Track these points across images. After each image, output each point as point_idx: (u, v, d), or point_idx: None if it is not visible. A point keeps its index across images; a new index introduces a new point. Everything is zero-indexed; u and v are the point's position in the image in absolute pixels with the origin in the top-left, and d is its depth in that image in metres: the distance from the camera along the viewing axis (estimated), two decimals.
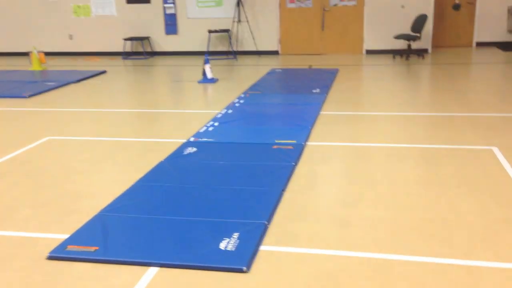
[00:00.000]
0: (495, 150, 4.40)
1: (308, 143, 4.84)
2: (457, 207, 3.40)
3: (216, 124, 5.50)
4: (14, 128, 5.77)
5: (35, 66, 9.61)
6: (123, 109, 6.55)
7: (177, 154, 4.54)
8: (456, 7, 10.67)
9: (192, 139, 4.99)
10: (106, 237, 3.02)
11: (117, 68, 9.83)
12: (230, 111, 6.08)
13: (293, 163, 4.24)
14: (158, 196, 3.62)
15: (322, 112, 5.97)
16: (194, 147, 4.73)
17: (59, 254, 2.87)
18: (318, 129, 5.32)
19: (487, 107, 6.00)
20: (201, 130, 5.28)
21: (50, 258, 2.87)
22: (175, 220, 3.22)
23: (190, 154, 4.54)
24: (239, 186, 3.77)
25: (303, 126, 5.30)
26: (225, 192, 3.66)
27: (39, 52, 9.77)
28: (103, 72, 9.27)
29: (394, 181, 3.89)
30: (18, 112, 6.46)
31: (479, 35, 10.76)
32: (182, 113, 6.27)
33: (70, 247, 2.92)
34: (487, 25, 10.64)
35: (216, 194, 3.64)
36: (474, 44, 10.82)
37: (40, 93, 7.48)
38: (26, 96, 7.21)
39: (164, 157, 4.49)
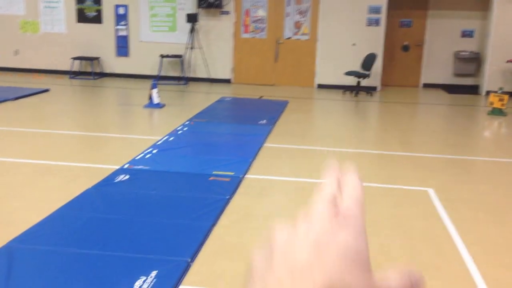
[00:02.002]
0: (431, 191, 4.40)
1: (247, 176, 4.71)
2: (388, 250, 3.32)
3: (154, 151, 5.30)
4: None
5: None
6: (60, 130, 6.24)
7: (107, 182, 4.30)
8: (405, 48, 11.00)
9: (126, 165, 4.76)
10: (10, 273, 2.74)
11: (62, 87, 9.48)
12: (171, 138, 5.89)
13: (228, 197, 4.08)
14: (77, 227, 3.37)
15: (265, 144, 5.87)
16: (127, 174, 4.50)
17: None
18: (259, 161, 5.20)
19: (428, 147, 6.08)
20: (137, 157, 5.06)
21: None
22: (90, 255, 2.98)
23: (121, 182, 4.31)
24: (167, 219, 3.58)
25: (244, 158, 5.17)
26: (151, 225, 3.45)
27: None
28: (46, 90, 8.90)
29: None
30: None
31: (426, 76, 11.10)
32: (121, 138, 6.03)
33: None
34: (434, 67, 10.99)
35: (141, 227, 3.42)
36: (421, 85, 11.14)
37: None
38: None
39: (92, 184, 4.24)
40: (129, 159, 4.99)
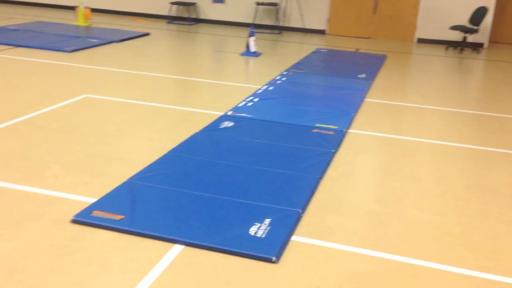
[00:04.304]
0: None
1: (350, 130, 4.61)
2: (509, 218, 3.14)
3: (255, 99, 5.31)
4: (53, 82, 5.71)
5: (80, 22, 9.56)
6: (162, 74, 6.42)
7: (213, 127, 4.38)
8: None
9: (229, 112, 4.82)
10: (133, 207, 2.90)
11: (161, 32, 9.69)
12: (271, 87, 5.86)
13: (333, 150, 4.02)
14: (190, 169, 3.48)
15: (366, 99, 5.69)
16: (231, 121, 4.56)
17: (84, 219, 2.77)
18: (361, 116, 5.06)
19: None
20: (240, 105, 5.09)
21: (74, 221, 2.77)
22: (205, 197, 3.08)
23: (226, 128, 4.38)
24: (275, 168, 3.59)
25: (346, 112, 5.05)
26: (260, 173, 3.49)
27: (85, 7, 9.71)
28: (147, 34, 9.14)
29: (440, 182, 3.64)
30: (59, 66, 6.41)
31: None
32: (221, 85, 6.09)
33: (96, 213, 2.82)
34: None
35: (250, 174, 3.47)
36: None
37: (82, 49, 7.42)
38: (68, 51, 7.16)
39: (199, 128, 4.34)
40: (231, 106, 5.04)
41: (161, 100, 5.24)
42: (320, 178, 3.54)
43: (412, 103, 5.73)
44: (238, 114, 4.77)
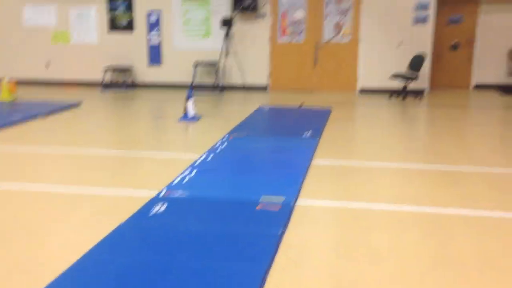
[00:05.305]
0: None
1: (299, 201, 4.16)
2: None
3: (192, 173, 4.80)
4: None
5: (4, 96, 8.89)
6: (92, 149, 5.83)
7: (143, 214, 3.82)
8: (455, 47, 10.24)
9: (163, 192, 4.28)
10: None
11: (94, 101, 9.14)
12: (210, 157, 5.39)
13: (281, 230, 3.54)
14: (108, 278, 2.87)
15: (314, 162, 5.31)
16: (164, 203, 4.01)
17: None
18: (309, 182, 4.64)
19: (499, 161, 5.39)
20: (175, 181, 4.57)
21: None
22: None
23: (157, 214, 3.82)
24: (213, 262, 3.05)
25: (293, 179, 4.62)
26: (194, 272, 2.93)
27: (10, 80, 9.06)
28: (78, 104, 8.56)
29: (401, 258, 3.20)
30: None
31: (477, 76, 10.31)
32: (156, 158, 5.56)
33: None
34: (486, 66, 10.20)
35: (184, 273, 2.91)
36: (472, 86, 10.35)
37: (0, 127, 6.75)
38: None
39: (127, 216, 3.76)
40: (166, 182, 4.52)
41: (86, 182, 4.65)
42: (268, 268, 3.02)
43: (361, 161, 5.39)
44: (172, 194, 4.23)
